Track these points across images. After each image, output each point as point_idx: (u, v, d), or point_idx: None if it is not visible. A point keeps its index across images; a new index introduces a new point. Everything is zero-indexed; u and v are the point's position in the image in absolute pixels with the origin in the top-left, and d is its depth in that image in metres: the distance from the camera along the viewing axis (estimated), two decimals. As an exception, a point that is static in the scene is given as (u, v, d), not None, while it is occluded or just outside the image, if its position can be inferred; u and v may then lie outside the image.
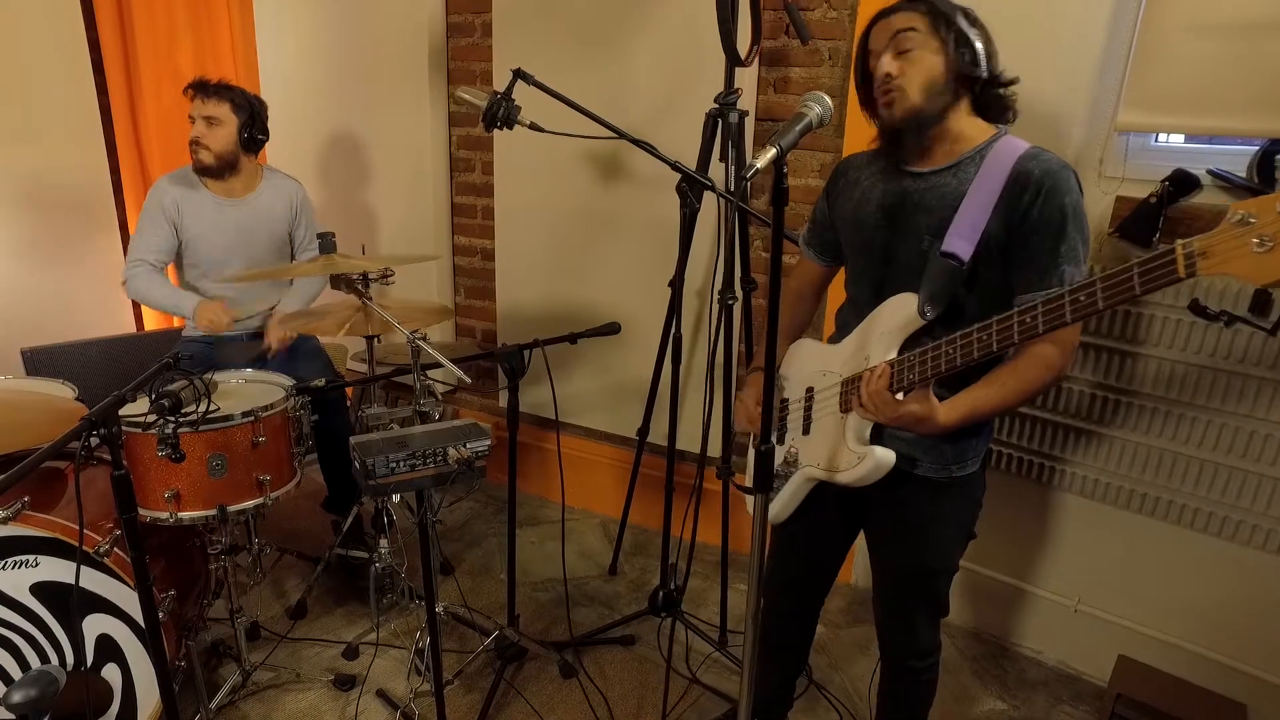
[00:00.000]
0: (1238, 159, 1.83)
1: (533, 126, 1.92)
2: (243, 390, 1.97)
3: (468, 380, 1.83)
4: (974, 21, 1.36)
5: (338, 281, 2.03)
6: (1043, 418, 2.13)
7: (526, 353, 1.95)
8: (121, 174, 3.13)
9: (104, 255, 3.08)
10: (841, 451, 1.42)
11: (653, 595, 2.34)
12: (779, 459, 1.58)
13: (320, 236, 1.95)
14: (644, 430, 2.46)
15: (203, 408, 1.49)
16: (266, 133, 2.50)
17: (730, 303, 2.16)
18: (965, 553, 1.52)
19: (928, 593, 1.53)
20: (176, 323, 2.91)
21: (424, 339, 1.81)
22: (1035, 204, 1.29)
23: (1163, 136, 1.95)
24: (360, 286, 1.92)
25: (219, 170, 2.43)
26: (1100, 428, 2.03)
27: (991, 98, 1.40)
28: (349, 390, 2.66)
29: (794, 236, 1.89)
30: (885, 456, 1.35)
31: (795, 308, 1.71)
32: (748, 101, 2.34)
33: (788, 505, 1.54)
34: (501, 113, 1.91)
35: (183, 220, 2.43)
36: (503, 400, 3.14)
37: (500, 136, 2.81)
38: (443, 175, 2.98)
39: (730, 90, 2.09)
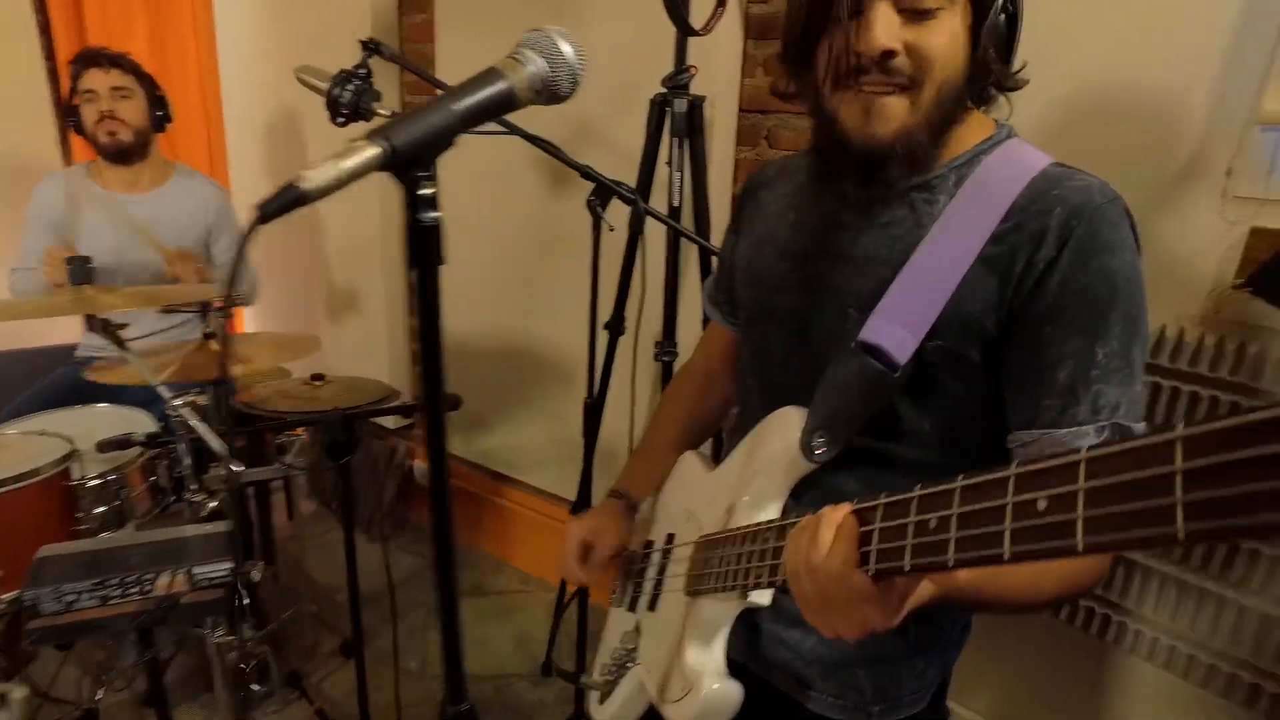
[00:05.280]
0: None
1: (393, 116, 1.42)
2: (20, 445, 1.58)
3: (237, 466, 1.34)
4: None
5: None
6: (1116, 553, 1.43)
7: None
8: (75, 163, 2.91)
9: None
10: (675, 666, 0.84)
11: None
12: (615, 638, 1.02)
13: (69, 262, 1.52)
14: (577, 508, 1.93)
15: None
16: (169, 112, 2.15)
17: (668, 359, 1.59)
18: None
19: None
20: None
21: (202, 392, 1.36)
22: (1054, 267, 0.70)
23: (1336, 136, 1.22)
24: (115, 329, 1.45)
25: (134, 152, 2.12)
26: (1193, 575, 1.32)
27: (1015, 87, 0.81)
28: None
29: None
30: (719, 696, 0.77)
31: (697, 394, 1.13)
32: (727, 85, 1.75)
33: (621, 718, 0.97)
34: (348, 99, 1.43)
35: (67, 222, 2.11)
36: (452, 445, 2.68)
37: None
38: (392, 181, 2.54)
39: (680, 69, 1.53)
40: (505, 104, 0.57)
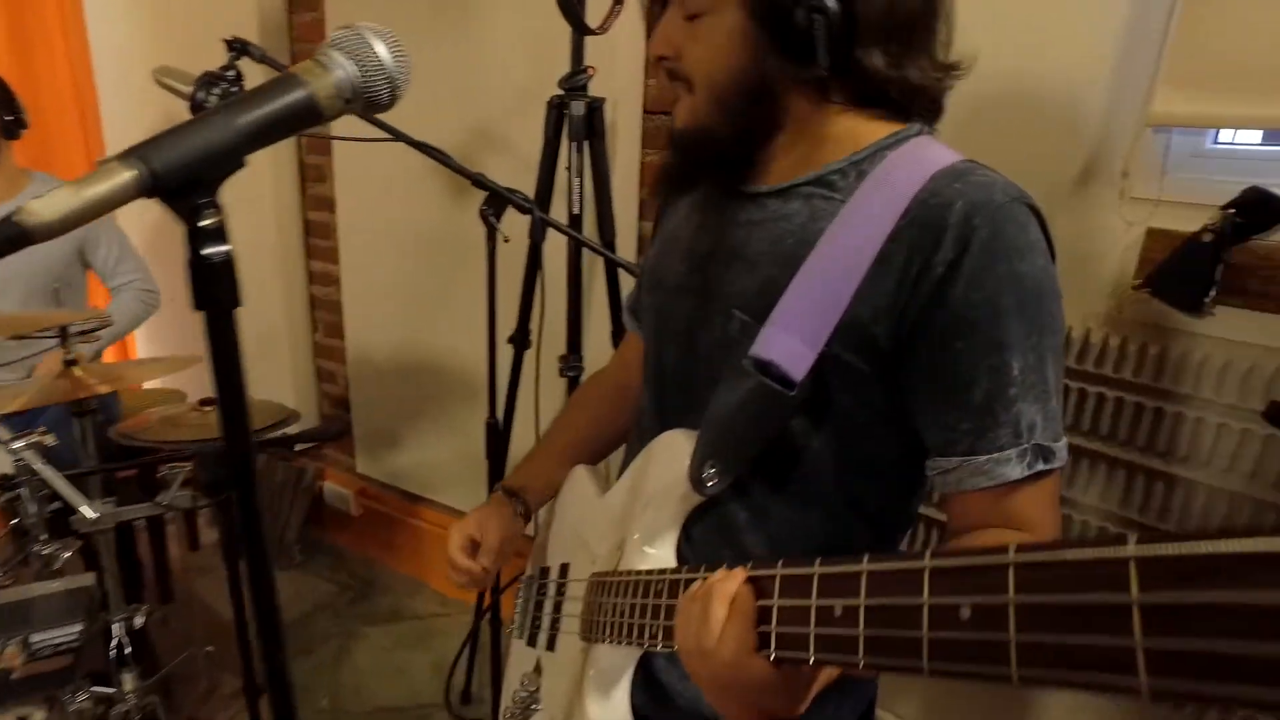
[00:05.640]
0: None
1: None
2: None
3: (93, 510, 1.22)
4: None
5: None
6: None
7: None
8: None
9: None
10: (576, 710, 0.78)
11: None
12: (516, 678, 0.94)
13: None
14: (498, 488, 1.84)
15: None
16: (22, 118, 1.97)
17: (574, 375, 1.52)
18: None
19: None
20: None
21: (48, 431, 1.23)
22: (957, 272, 0.64)
23: (1226, 134, 1.23)
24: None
25: None
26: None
27: (887, 83, 0.72)
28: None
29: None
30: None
31: (605, 404, 1.06)
32: (629, 86, 1.68)
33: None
34: (217, 103, 1.31)
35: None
36: (362, 465, 2.55)
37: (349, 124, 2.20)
38: (290, 186, 2.39)
39: (577, 69, 1.45)
40: (306, 116, 0.49)
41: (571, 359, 1.51)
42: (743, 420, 0.70)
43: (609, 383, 1.07)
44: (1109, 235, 1.27)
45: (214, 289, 0.47)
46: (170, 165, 0.43)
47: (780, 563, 0.53)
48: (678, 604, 0.60)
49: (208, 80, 1.30)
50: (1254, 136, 1.21)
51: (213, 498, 1.33)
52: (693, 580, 0.62)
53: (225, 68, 1.32)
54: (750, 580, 0.54)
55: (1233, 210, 1.13)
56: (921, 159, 0.70)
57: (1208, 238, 1.15)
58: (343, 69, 0.50)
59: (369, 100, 0.51)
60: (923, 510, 1.43)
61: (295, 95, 0.48)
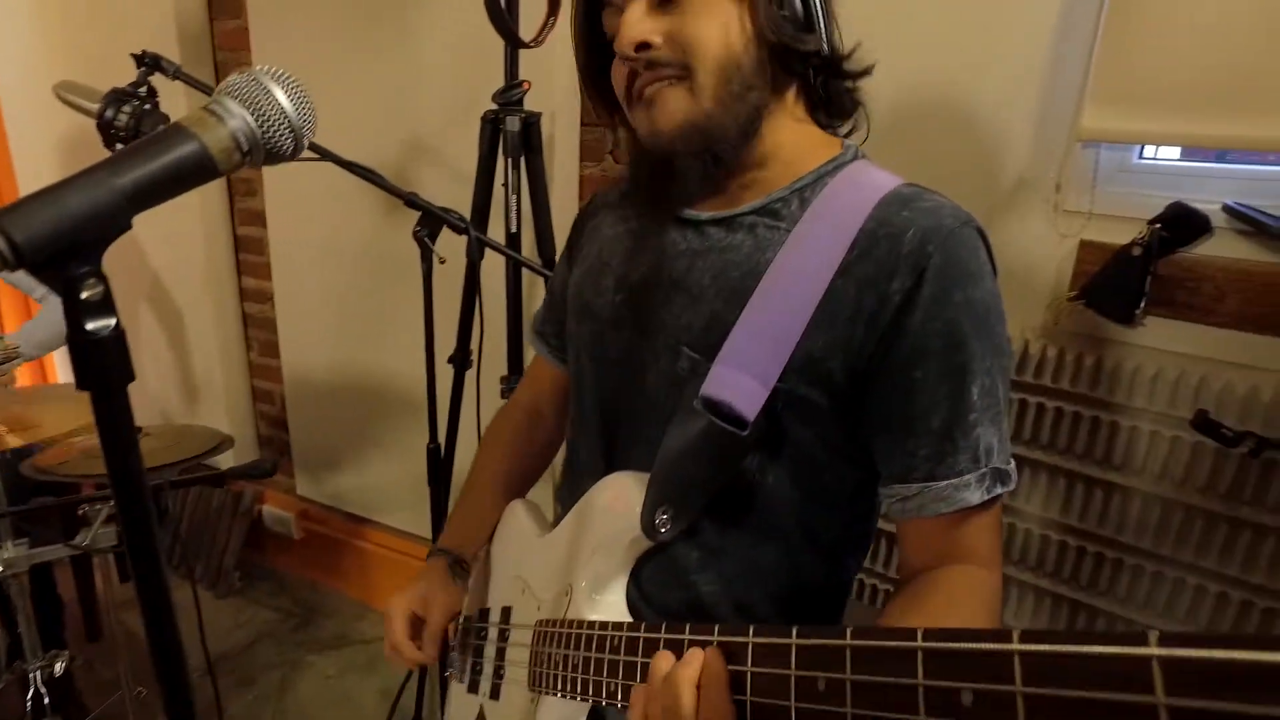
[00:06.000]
0: (1273, 185, 1.14)
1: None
2: None
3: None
4: None
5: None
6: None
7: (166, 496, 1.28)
8: None
9: None
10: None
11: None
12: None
13: None
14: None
15: None
16: None
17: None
18: None
19: None
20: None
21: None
22: (914, 301, 0.64)
23: (1150, 149, 1.26)
24: None
25: None
26: (1057, 585, 1.34)
27: (834, 90, 0.73)
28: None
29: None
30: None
31: (522, 435, 1.03)
32: (567, 99, 1.65)
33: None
34: (126, 122, 1.24)
35: None
36: (302, 487, 2.47)
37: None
38: (219, 200, 2.29)
39: (511, 83, 1.41)
40: (198, 171, 0.45)
41: (513, 380, 1.48)
42: (696, 462, 0.68)
43: (521, 412, 1.04)
44: (1045, 247, 1.29)
45: (100, 367, 0.43)
46: (35, 237, 0.39)
47: (752, 630, 0.51)
48: (637, 689, 0.58)
49: (116, 97, 1.23)
50: (1174, 152, 1.24)
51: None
52: (652, 640, 0.60)
53: (135, 84, 1.25)
54: (720, 645, 0.52)
55: (1159, 225, 1.16)
56: (863, 185, 0.70)
57: (1137, 251, 1.17)
58: (238, 119, 0.46)
59: (270, 151, 0.48)
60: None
61: (185, 150, 0.44)
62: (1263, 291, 1.12)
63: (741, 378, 0.67)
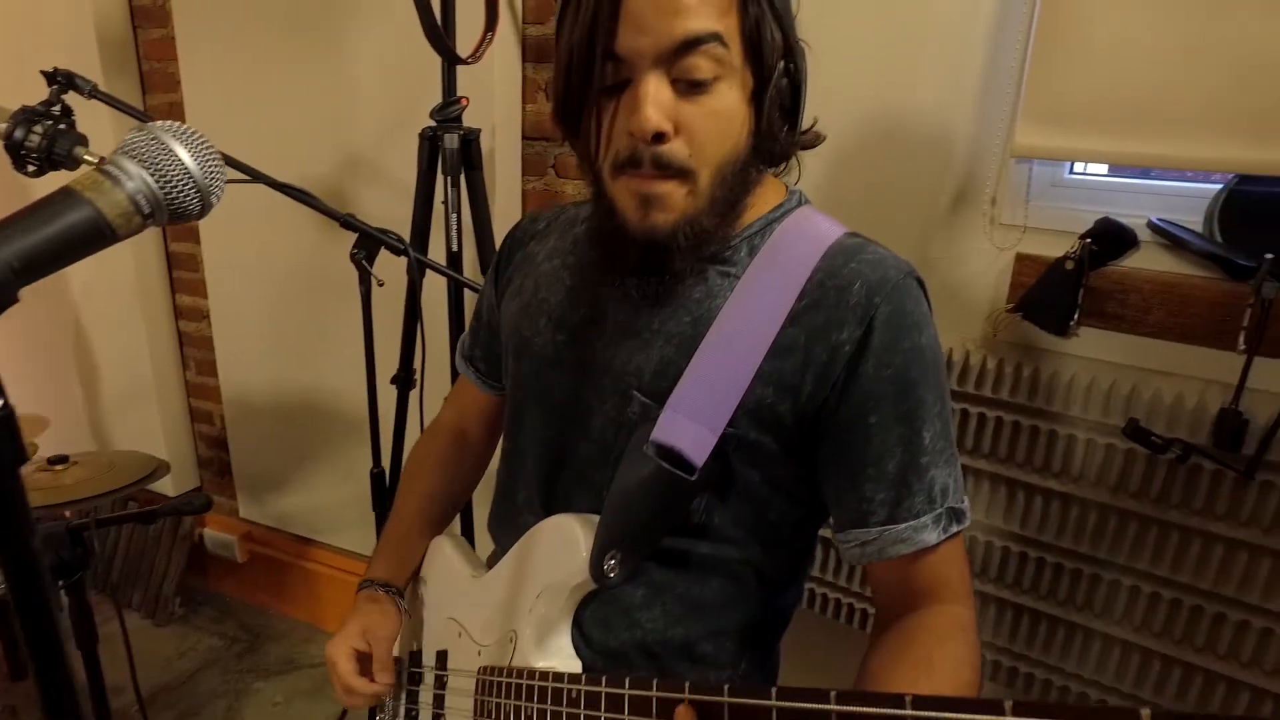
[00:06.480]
0: (1193, 202, 1.18)
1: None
2: None
3: None
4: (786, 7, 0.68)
5: None
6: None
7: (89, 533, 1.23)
8: None
9: None
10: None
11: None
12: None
13: None
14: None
15: None
16: None
17: (461, 416, 1.46)
18: None
19: None
20: None
21: None
22: (864, 350, 0.65)
23: (1080, 166, 1.29)
24: None
25: None
26: (1000, 590, 1.37)
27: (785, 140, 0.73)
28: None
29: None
30: None
31: (449, 459, 1.00)
32: (507, 113, 1.63)
33: None
34: (37, 143, 1.18)
35: None
36: (245, 509, 2.40)
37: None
38: (148, 212, 2.21)
39: (449, 100, 1.39)
40: (94, 238, 0.42)
41: (459, 401, 1.45)
42: (645, 506, 0.68)
43: (447, 434, 1.02)
44: (983, 260, 1.31)
45: (-13, 450, 0.40)
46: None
47: (727, 689, 0.50)
48: None
49: (26, 117, 1.16)
50: (1103, 169, 1.27)
51: (62, 579, 1.21)
52: (615, 694, 0.59)
53: (47, 102, 1.19)
54: (691, 703, 0.52)
55: (1089, 240, 1.19)
56: (809, 234, 0.71)
57: (1069, 265, 1.20)
58: (136, 180, 0.43)
59: (175, 212, 0.45)
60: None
61: (76, 216, 0.42)
62: (1184, 303, 1.15)
63: (690, 424, 0.67)
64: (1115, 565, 1.26)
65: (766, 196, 0.75)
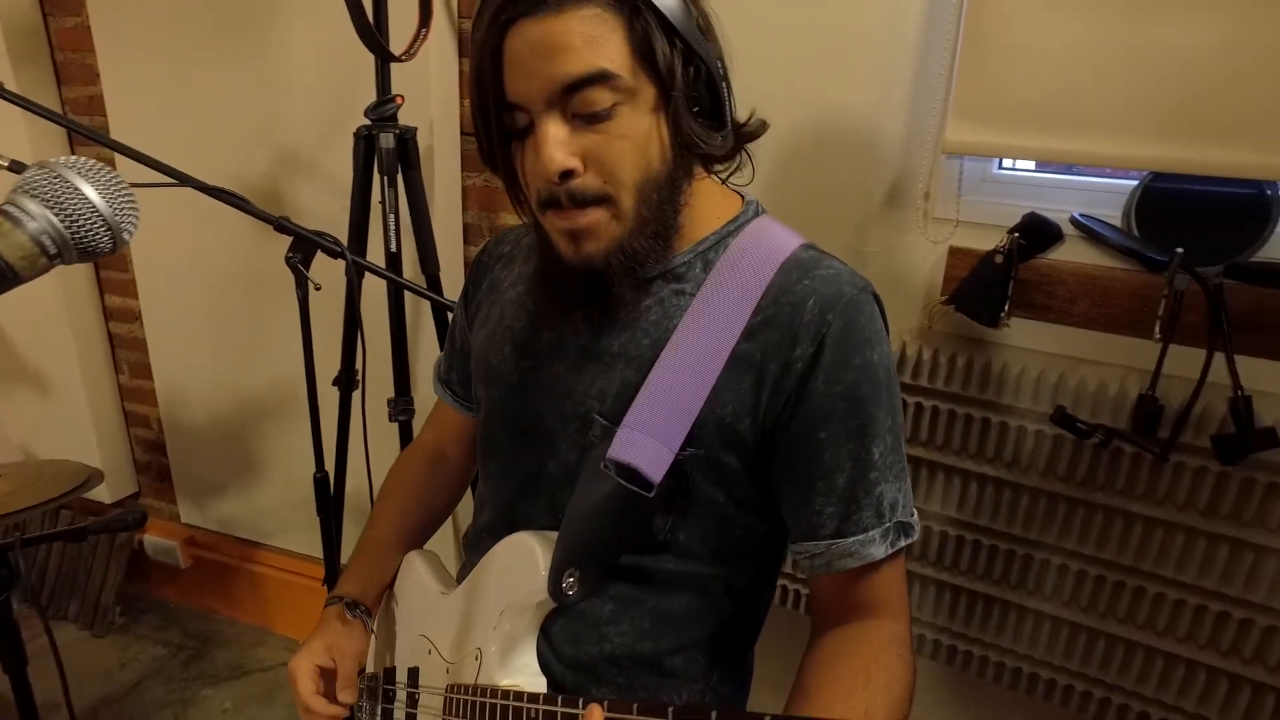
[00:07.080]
0: (1115, 197, 1.23)
1: (13, 166, 1.13)
2: None
3: None
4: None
5: None
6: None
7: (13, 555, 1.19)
8: None
9: None
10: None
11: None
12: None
13: None
14: (330, 579, 1.73)
15: None
16: None
17: (405, 418, 1.44)
18: None
19: None
20: None
21: None
22: (815, 366, 0.66)
23: (1009, 162, 1.33)
24: None
25: None
26: (940, 573, 1.42)
27: (720, 140, 0.73)
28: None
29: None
30: None
31: (427, 478, 1.00)
32: (445, 109, 1.60)
33: None
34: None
35: None
36: (186, 514, 2.34)
37: (122, 164, 1.96)
38: (69, 209, 2.11)
39: (383, 99, 1.36)
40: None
41: (401, 402, 1.44)
42: (603, 524, 0.69)
43: (425, 454, 1.02)
44: (918, 253, 1.35)
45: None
46: None
47: (714, 715, 0.50)
48: None
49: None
50: (1030, 164, 1.31)
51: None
52: (571, 716, 0.60)
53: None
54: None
55: (1017, 233, 1.23)
56: (766, 248, 0.71)
57: (999, 258, 1.24)
58: (39, 221, 0.42)
59: (84, 250, 0.44)
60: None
61: (-17, 268, 0.40)
62: (1107, 294, 1.20)
63: (646, 441, 0.67)
64: (1046, 545, 1.32)
65: (718, 208, 0.75)
